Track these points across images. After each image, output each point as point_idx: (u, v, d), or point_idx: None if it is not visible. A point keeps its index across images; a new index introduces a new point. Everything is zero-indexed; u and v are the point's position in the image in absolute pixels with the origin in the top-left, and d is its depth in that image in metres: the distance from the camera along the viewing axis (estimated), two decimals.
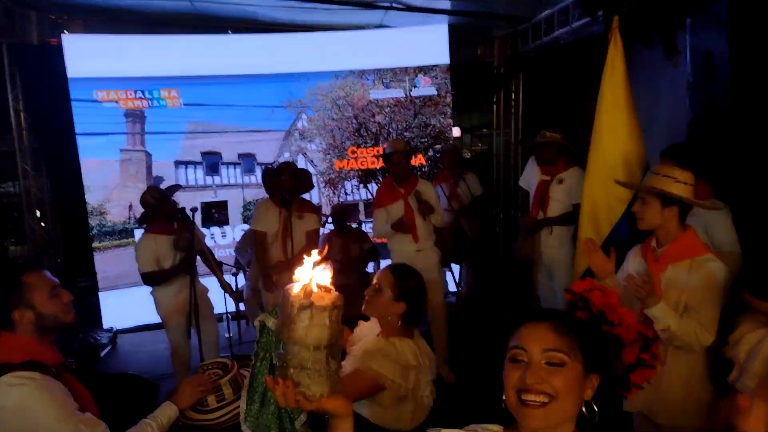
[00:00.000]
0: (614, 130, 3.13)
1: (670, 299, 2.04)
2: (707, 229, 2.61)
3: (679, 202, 2.09)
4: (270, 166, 5.04)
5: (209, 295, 3.86)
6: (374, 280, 1.92)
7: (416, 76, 5.77)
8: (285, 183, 3.77)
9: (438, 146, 5.86)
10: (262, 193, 5.43)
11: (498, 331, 4.69)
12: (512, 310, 4.96)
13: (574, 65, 5.59)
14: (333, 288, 0.92)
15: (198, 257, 3.87)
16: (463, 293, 5.47)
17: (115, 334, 4.74)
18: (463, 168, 5.37)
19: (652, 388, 2.11)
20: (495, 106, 6.58)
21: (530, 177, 4.23)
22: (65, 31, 5.01)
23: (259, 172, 5.49)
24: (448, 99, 5.80)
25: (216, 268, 4.00)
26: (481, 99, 6.64)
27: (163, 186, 4.31)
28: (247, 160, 5.56)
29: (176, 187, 3.87)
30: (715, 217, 2.55)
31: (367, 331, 2.00)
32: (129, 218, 5.14)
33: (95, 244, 5.03)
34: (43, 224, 5.16)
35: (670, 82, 4.48)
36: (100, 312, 4.94)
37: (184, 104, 5.32)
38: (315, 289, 0.86)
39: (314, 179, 5.63)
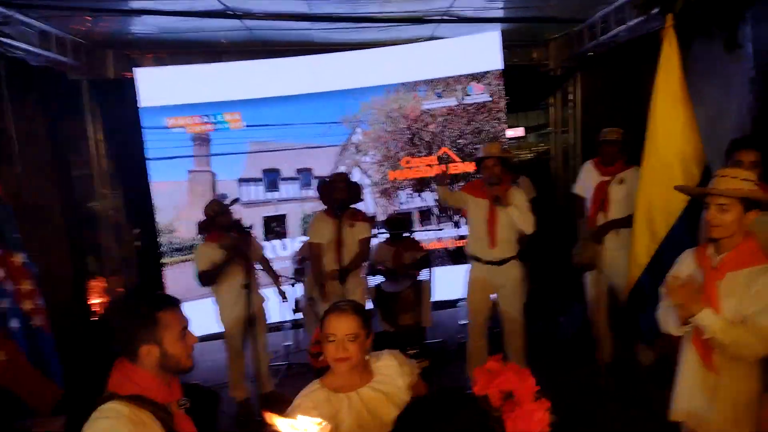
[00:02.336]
0: (670, 129, 3.01)
1: (726, 309, 1.93)
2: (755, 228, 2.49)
3: (760, 205, 1.96)
4: (324, 179, 5.21)
5: (266, 304, 4.07)
6: (343, 333, 1.73)
7: (469, 84, 5.75)
8: (337, 193, 3.89)
9: None
10: (319, 206, 5.61)
11: (553, 336, 4.59)
12: (566, 314, 4.79)
13: (634, 63, 5.38)
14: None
15: (258, 267, 4.11)
16: None
17: None
18: (515, 173, 5.32)
19: (703, 398, 2.01)
20: (552, 108, 6.45)
21: (587, 181, 4.11)
22: (139, 64, 5.44)
23: (316, 186, 5.67)
24: (502, 104, 5.74)
25: (274, 276, 4.27)
26: (539, 101, 6.53)
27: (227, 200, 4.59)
28: (305, 175, 5.76)
29: (235, 201, 4.14)
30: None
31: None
32: (197, 235, 5.46)
33: (165, 260, 5.39)
34: (118, 242, 5.62)
35: (738, 75, 4.22)
36: None
37: (247, 125, 5.61)
38: None
39: (369, 190, 5.75)
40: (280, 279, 4.27)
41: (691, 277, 1.98)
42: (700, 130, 3.03)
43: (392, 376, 1.81)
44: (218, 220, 3.80)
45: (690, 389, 2.08)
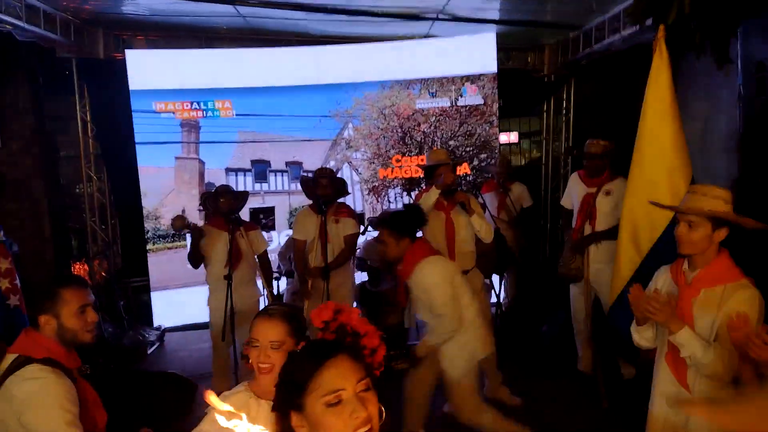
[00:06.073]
0: (657, 143, 3.00)
1: (701, 326, 1.93)
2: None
3: (729, 223, 1.97)
4: (306, 175, 5.15)
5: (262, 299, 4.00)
6: (267, 339, 1.61)
7: (463, 85, 5.74)
8: (321, 189, 3.84)
9: (483, 155, 5.80)
10: (307, 200, 5.57)
11: (535, 345, 4.60)
12: (550, 322, 4.81)
13: (627, 73, 5.40)
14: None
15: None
16: (504, 306, 5.37)
17: (163, 332, 5.00)
18: (512, 180, 5.33)
19: (678, 416, 2.02)
20: (545, 114, 6.45)
21: (573, 192, 4.10)
22: (130, 46, 5.35)
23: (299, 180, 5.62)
24: (495, 108, 5.73)
25: (267, 277, 4.01)
26: (532, 106, 6.53)
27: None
28: (294, 168, 5.71)
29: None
30: None
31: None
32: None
33: (149, 247, 5.32)
34: (103, 226, 5.54)
35: (727, 90, 4.25)
36: (151, 310, 5.22)
37: (237, 114, 5.54)
38: None
39: (358, 187, 5.72)
40: (272, 282, 4.15)
41: (670, 295, 1.98)
42: (688, 144, 3.03)
43: None
44: (209, 200, 3.78)
45: (665, 406, 2.08)
